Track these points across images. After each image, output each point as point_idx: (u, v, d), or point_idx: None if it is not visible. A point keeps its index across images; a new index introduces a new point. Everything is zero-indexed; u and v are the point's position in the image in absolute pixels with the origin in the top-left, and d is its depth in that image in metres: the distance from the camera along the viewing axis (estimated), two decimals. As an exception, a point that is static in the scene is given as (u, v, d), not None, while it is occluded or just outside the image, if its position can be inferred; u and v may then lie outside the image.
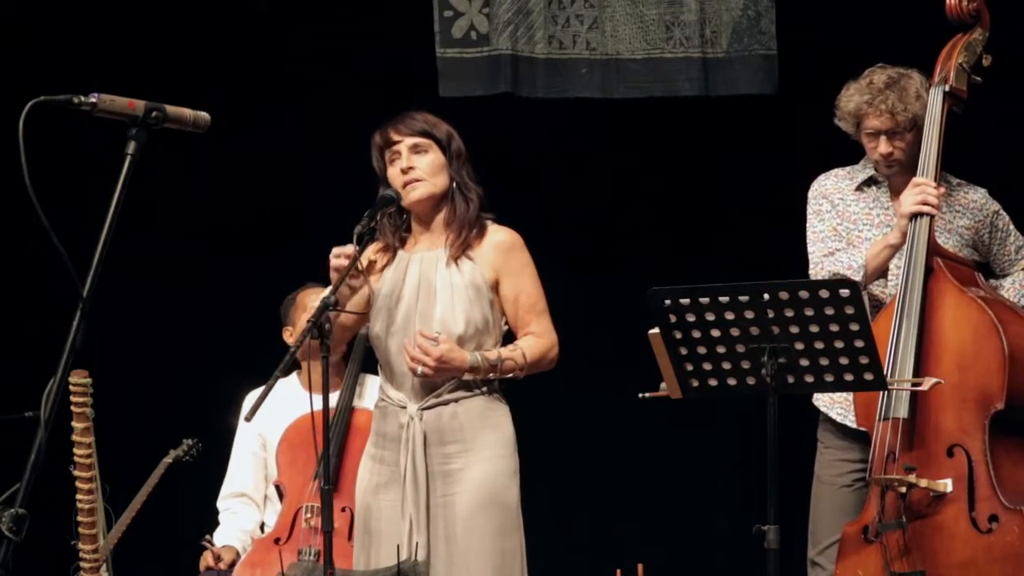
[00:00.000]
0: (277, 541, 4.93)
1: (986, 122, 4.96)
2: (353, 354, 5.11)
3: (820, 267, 4.40)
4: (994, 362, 4.03)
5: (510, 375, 4.01)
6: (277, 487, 5.10)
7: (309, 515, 4.88)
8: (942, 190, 4.26)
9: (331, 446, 4.90)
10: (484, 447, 3.97)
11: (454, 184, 4.04)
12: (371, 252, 4.05)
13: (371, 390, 5.03)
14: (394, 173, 4.03)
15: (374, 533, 4.00)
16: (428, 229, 4.07)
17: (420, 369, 3.90)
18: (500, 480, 3.97)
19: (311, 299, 5.15)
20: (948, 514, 4.01)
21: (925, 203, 4.18)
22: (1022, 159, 5.43)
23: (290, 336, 5.25)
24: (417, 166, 4.01)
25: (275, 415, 5.00)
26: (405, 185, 4.00)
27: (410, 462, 3.95)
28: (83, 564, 4.28)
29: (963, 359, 4.08)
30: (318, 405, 4.99)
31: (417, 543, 3.89)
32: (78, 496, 4.19)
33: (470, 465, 3.96)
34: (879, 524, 4.07)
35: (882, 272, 4.30)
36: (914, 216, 4.18)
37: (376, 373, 5.07)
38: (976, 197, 4.46)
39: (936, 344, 4.12)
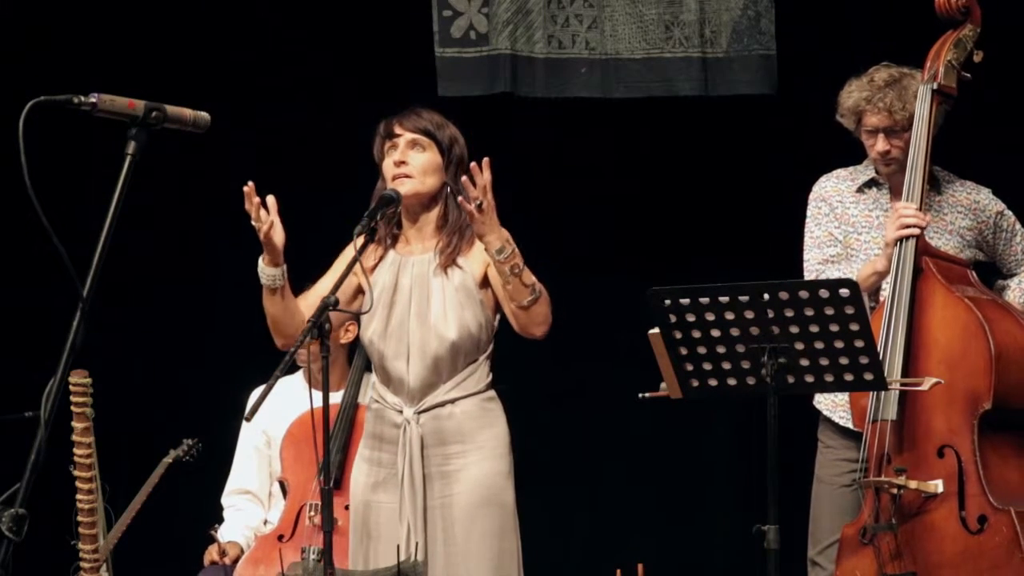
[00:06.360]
0: (281, 538, 4.92)
1: (987, 120, 4.96)
2: (357, 351, 5.10)
3: (813, 277, 4.40)
4: (981, 361, 4.03)
5: (527, 289, 3.85)
6: (281, 483, 5.10)
7: (313, 513, 4.87)
8: (928, 218, 4.24)
9: (335, 443, 4.91)
10: (480, 447, 3.97)
11: (447, 189, 4.02)
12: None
13: None
14: (388, 164, 4.03)
15: (372, 533, 3.99)
16: (418, 229, 4.05)
17: (481, 202, 3.74)
18: (497, 480, 3.96)
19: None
20: (939, 515, 4.02)
21: (906, 227, 4.18)
22: (1022, 158, 5.43)
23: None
24: (410, 162, 3.99)
25: (279, 412, 5.00)
26: (395, 178, 3.98)
27: (407, 466, 3.94)
28: (83, 564, 4.28)
29: (951, 359, 4.07)
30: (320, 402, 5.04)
31: (416, 543, 3.89)
32: (78, 496, 4.20)
33: (467, 465, 3.95)
34: (872, 527, 4.07)
35: (871, 294, 4.29)
36: (899, 240, 4.19)
37: None
38: (979, 198, 4.45)
39: (925, 344, 4.11)
